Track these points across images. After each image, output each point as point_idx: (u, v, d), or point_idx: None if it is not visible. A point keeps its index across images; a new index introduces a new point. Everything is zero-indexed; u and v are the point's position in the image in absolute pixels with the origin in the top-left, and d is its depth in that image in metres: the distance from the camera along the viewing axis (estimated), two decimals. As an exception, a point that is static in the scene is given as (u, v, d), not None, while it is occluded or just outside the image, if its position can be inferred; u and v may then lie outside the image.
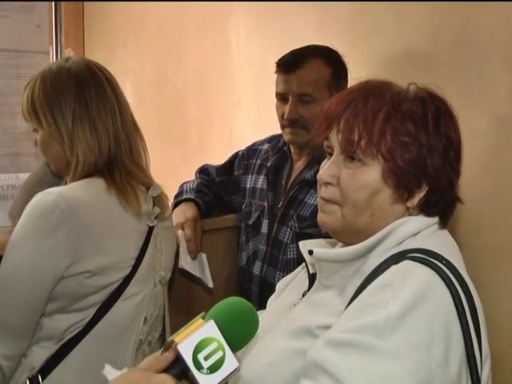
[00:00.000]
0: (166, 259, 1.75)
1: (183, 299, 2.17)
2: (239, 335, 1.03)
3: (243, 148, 2.37)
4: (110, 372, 1.03)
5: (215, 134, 3.01)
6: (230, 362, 0.98)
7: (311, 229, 1.91)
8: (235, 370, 0.98)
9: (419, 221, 1.21)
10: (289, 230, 2.02)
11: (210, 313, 1.04)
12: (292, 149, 2.15)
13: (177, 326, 1.04)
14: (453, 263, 1.14)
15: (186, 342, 0.97)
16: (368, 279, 1.14)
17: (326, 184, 1.24)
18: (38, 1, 2.28)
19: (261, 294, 2.03)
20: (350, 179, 1.20)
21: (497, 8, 1.73)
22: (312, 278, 1.31)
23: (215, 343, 0.98)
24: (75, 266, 1.49)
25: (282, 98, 2.07)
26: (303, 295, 1.32)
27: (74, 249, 1.48)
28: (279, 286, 1.51)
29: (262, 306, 1.49)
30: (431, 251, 1.14)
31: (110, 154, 1.59)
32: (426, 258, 1.13)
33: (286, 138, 2.09)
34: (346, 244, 1.25)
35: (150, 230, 1.67)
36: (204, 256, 2.13)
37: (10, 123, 2.23)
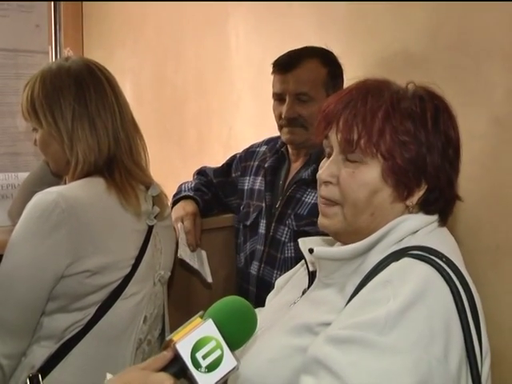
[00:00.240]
0: (165, 258, 1.75)
1: (182, 298, 2.18)
2: (237, 334, 1.04)
3: (241, 149, 2.37)
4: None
5: (214, 133, 3.01)
6: (229, 361, 0.98)
7: (309, 227, 1.92)
8: (233, 368, 0.98)
9: (419, 219, 1.22)
10: (286, 228, 2.02)
11: (208, 312, 1.04)
12: (289, 149, 2.16)
13: (176, 325, 1.04)
14: (452, 260, 1.14)
15: (184, 341, 0.97)
16: (368, 276, 1.14)
17: (326, 183, 1.24)
18: (38, 1, 2.29)
19: (258, 294, 2.04)
20: (350, 178, 1.20)
21: (495, 8, 1.73)
22: (312, 276, 1.32)
23: (213, 342, 0.98)
24: (75, 265, 1.49)
25: (279, 98, 2.08)
26: (303, 293, 1.32)
27: (74, 248, 1.48)
28: (278, 283, 1.52)
29: (259, 305, 1.49)
30: (431, 248, 1.15)
31: (110, 154, 1.59)
32: (426, 255, 1.13)
33: (284, 137, 2.10)
34: (346, 244, 1.26)
35: (150, 229, 1.67)
36: (204, 253, 2.14)
37: (10, 123, 2.24)
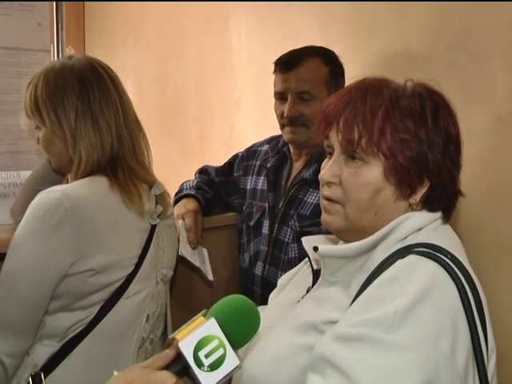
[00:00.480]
0: (167, 257, 1.75)
1: (184, 296, 2.18)
2: (240, 333, 1.04)
3: (243, 148, 2.37)
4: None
5: (215, 132, 3.01)
6: (231, 360, 0.98)
7: (312, 227, 1.91)
8: (236, 367, 0.99)
9: (422, 216, 1.22)
10: (289, 229, 2.02)
11: (211, 310, 1.04)
12: (291, 149, 2.16)
13: (178, 324, 1.04)
14: (457, 257, 1.15)
15: (187, 340, 0.98)
16: (373, 274, 1.14)
17: (329, 184, 1.24)
18: (39, 0, 2.29)
19: (263, 295, 2.03)
20: (352, 178, 1.21)
21: (496, 8, 1.73)
22: (316, 274, 1.32)
23: (216, 341, 0.98)
24: (79, 264, 1.49)
25: (280, 97, 2.08)
26: (307, 291, 1.32)
27: (78, 247, 1.49)
28: (281, 281, 1.52)
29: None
30: (436, 245, 1.15)
31: (113, 152, 1.60)
32: (432, 252, 1.13)
33: (286, 137, 2.09)
34: (349, 242, 1.26)
35: (153, 228, 1.67)
36: (205, 250, 2.14)
37: (12, 121, 2.24)
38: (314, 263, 1.34)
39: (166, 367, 0.97)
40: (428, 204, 1.24)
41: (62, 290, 1.51)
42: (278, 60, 2.08)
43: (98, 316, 1.56)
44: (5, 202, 1.97)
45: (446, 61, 1.87)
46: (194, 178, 2.37)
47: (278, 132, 2.16)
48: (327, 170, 1.25)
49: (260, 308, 1.12)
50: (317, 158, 1.99)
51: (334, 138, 1.24)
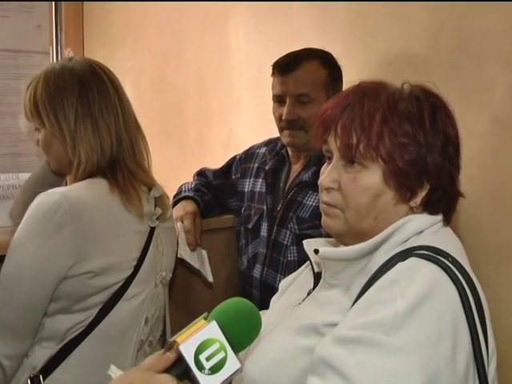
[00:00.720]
0: (167, 260, 1.75)
1: (183, 299, 2.18)
2: (241, 336, 1.03)
3: (241, 150, 2.37)
4: (115, 372, 1.04)
5: (214, 134, 3.01)
6: (232, 363, 0.98)
7: (311, 230, 1.91)
8: (237, 370, 0.98)
9: (423, 219, 1.22)
10: (288, 232, 2.02)
11: (212, 313, 1.04)
12: (290, 151, 2.15)
13: (177, 326, 1.04)
14: (459, 260, 1.14)
15: (187, 343, 0.97)
16: (374, 277, 1.14)
17: (328, 189, 1.24)
18: (38, 1, 2.29)
19: (262, 297, 2.03)
20: (352, 184, 1.20)
21: (496, 8, 1.73)
22: (317, 277, 1.32)
23: (217, 344, 0.98)
24: (78, 266, 1.49)
25: (279, 99, 2.07)
26: (308, 294, 1.32)
27: (77, 249, 1.48)
28: (282, 285, 1.52)
29: (263, 308, 1.48)
30: (437, 248, 1.15)
31: (113, 155, 1.59)
32: (433, 255, 1.13)
33: (285, 140, 2.09)
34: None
35: (152, 230, 1.67)
36: (204, 252, 2.14)
37: (11, 123, 2.24)
38: (315, 266, 1.34)
39: (167, 370, 0.97)
40: (428, 207, 1.24)
41: (61, 292, 1.51)
42: (276, 63, 2.08)
43: (97, 318, 1.55)
44: (4, 204, 1.97)
45: (445, 62, 1.87)
46: (192, 180, 2.37)
47: (277, 134, 2.15)
48: (326, 175, 1.25)
49: (261, 312, 1.11)
50: (315, 160, 1.99)
51: (333, 144, 1.24)
